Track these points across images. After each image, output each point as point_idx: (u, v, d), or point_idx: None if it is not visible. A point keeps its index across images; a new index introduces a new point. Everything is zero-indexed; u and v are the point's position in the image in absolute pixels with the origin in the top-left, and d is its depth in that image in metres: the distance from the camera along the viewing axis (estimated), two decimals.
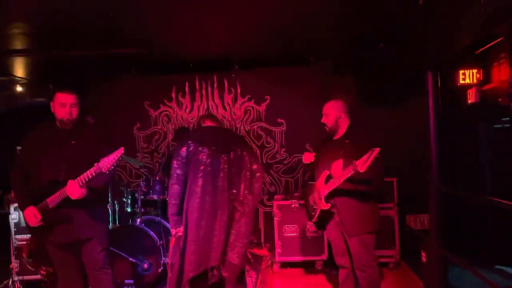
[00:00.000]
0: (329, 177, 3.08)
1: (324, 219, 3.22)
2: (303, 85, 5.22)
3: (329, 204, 3.07)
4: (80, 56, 4.77)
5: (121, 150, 2.64)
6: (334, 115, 3.17)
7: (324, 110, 3.22)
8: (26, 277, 4.25)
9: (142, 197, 4.20)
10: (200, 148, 2.90)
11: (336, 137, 3.22)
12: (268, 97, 5.34)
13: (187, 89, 5.40)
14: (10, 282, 4.27)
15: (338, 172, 2.98)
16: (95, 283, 3.02)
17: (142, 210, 4.23)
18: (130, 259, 3.86)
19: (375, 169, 2.78)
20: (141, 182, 4.26)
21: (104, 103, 5.38)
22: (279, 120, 5.33)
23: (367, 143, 2.87)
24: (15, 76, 5.59)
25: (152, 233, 3.92)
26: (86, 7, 3.31)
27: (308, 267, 4.58)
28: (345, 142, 3.13)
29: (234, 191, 2.91)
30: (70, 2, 3.23)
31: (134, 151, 5.39)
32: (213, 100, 5.38)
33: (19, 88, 5.96)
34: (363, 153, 2.75)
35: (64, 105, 2.89)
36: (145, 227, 3.94)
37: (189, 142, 2.92)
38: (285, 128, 5.33)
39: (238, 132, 5.30)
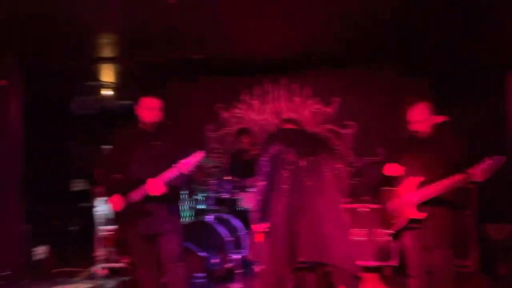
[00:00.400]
0: (422, 184, 2.90)
1: (402, 228, 3.07)
2: (374, 86, 5.15)
3: (425, 214, 2.88)
4: (160, 62, 5.15)
5: (203, 153, 2.83)
6: (427, 119, 2.96)
7: (414, 117, 2.99)
8: (110, 265, 4.66)
9: (213, 195, 4.41)
10: (287, 149, 3.02)
11: (424, 140, 3.01)
12: (337, 99, 5.33)
13: (257, 91, 5.56)
14: (95, 269, 4.71)
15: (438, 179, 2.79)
16: (170, 275, 3.25)
17: (213, 208, 4.44)
18: (201, 253, 4.07)
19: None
20: (213, 181, 4.48)
21: (181, 103, 5.71)
22: (347, 123, 5.30)
23: (459, 146, 2.80)
24: (103, 81, 6.13)
25: (222, 229, 4.11)
26: (168, 18, 3.58)
27: (375, 272, 4.51)
28: (436, 146, 2.95)
29: (320, 191, 2.99)
30: (154, 16, 3.52)
31: (206, 151, 5.66)
32: (282, 102, 5.48)
33: (106, 92, 6.52)
34: (458, 158, 2.67)
35: (150, 109, 3.16)
36: (215, 224, 4.14)
37: (277, 142, 3.05)
38: (354, 130, 5.28)
39: None
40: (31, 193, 5.13)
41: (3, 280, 4.66)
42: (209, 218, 4.27)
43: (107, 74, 5.90)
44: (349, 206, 4.61)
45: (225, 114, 5.69)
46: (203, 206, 4.51)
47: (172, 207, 3.18)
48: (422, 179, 2.91)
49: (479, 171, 2.60)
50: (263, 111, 5.56)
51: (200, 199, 4.54)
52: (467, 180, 2.64)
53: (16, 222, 4.80)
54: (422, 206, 2.89)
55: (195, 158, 2.80)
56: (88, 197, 6.33)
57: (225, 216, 4.44)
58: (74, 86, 6.14)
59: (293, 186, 2.96)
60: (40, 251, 4.99)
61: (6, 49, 4.63)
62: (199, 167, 5.51)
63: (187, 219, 4.58)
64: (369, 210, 4.49)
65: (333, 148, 5.01)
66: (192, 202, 4.57)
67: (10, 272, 4.71)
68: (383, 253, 4.46)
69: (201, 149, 2.90)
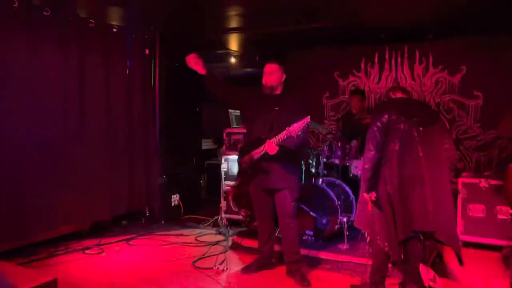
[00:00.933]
0: None
1: None
2: (507, 54, 4.70)
3: None
4: (282, 32, 5.39)
5: (307, 119, 3.06)
6: None
7: None
8: (231, 216, 5.25)
9: (325, 160, 4.62)
10: (400, 118, 3.02)
11: None
12: (464, 67, 5.01)
13: (376, 59, 5.49)
14: (219, 218, 5.34)
15: None
16: (284, 229, 3.61)
17: (325, 172, 4.65)
18: (312, 213, 4.36)
19: None
20: (325, 147, 4.68)
21: (299, 72, 5.94)
22: (474, 93, 4.96)
23: None
24: (230, 50, 6.63)
25: (332, 193, 4.32)
26: None
27: (494, 250, 4.30)
28: None
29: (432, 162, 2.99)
30: None
31: (322, 118, 5.83)
32: (402, 70, 5.35)
33: (232, 60, 7.03)
34: None
35: (269, 74, 3.48)
36: (326, 187, 4.37)
37: (391, 111, 3.07)
38: (481, 101, 4.94)
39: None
40: (170, 151, 5.95)
41: (147, 219, 5.59)
42: (320, 181, 4.51)
43: (234, 43, 6.36)
44: (467, 180, 4.43)
45: (343, 83, 5.75)
46: (315, 170, 4.75)
47: (287, 167, 3.48)
48: None
49: None
50: (382, 79, 5.49)
51: (312, 163, 4.78)
52: None
53: (156, 175, 5.65)
54: None
55: (302, 122, 3.04)
56: (215, 155, 7.07)
57: (336, 181, 4.64)
58: (205, 54, 6.77)
59: (404, 156, 2.98)
60: (175, 199, 5.82)
61: (148, 24, 5.33)
62: (310, 132, 5.73)
63: (302, 181, 4.88)
64: (489, 185, 4.25)
65: (444, 123, 4.79)
66: (306, 166, 4.84)
67: (150, 215, 5.64)
68: (504, 232, 4.22)
69: (313, 114, 3.13)
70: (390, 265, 3.34)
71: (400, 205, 2.95)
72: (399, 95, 3.24)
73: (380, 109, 3.24)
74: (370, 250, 3.28)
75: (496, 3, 3.94)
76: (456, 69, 5.03)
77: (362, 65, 5.57)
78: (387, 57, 5.42)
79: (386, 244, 3.02)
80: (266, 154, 3.33)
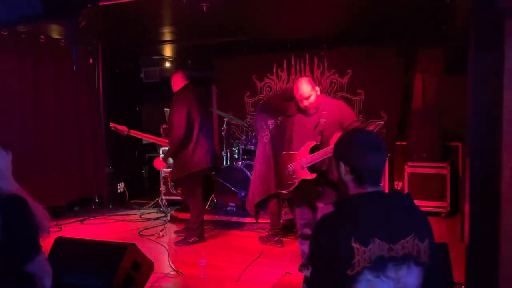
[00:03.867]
0: None
1: None
2: (382, 59, 6.12)
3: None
4: (208, 43, 6.50)
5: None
6: None
7: None
8: (169, 197, 6.30)
9: (243, 147, 5.81)
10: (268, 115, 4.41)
11: None
12: (350, 71, 6.38)
13: (284, 65, 6.74)
14: (160, 200, 6.38)
15: None
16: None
17: (244, 156, 5.84)
18: (233, 189, 5.54)
19: None
20: (243, 136, 5.88)
21: (222, 75, 7.10)
22: (358, 91, 6.37)
23: None
24: (165, 56, 7.65)
25: (248, 172, 5.51)
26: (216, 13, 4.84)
27: None
28: None
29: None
30: (198, 16, 4.79)
31: (244, 113, 7.01)
32: (305, 73, 6.63)
33: (167, 64, 8.05)
34: None
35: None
36: (243, 168, 5.56)
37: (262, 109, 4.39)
38: (363, 97, 6.35)
39: None
40: (114, 145, 6.87)
41: (96, 205, 6.51)
42: (239, 164, 5.69)
43: (168, 51, 7.39)
44: None
45: (259, 84, 6.97)
46: (237, 156, 5.94)
47: None
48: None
49: None
50: (290, 81, 6.75)
51: (235, 150, 5.98)
52: None
53: (104, 166, 6.58)
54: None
55: None
56: (154, 149, 8.04)
57: (252, 163, 5.85)
58: (143, 59, 7.76)
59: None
60: (120, 187, 6.77)
61: (91, 37, 6.23)
62: (234, 125, 6.88)
63: (225, 164, 6.05)
64: None
65: None
66: (230, 152, 6.02)
67: (100, 201, 6.56)
68: None
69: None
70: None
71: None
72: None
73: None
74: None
75: (374, 21, 5.26)
76: (344, 72, 6.39)
77: (274, 69, 6.80)
78: (293, 62, 6.69)
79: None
80: None
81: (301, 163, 3.34)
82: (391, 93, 6.13)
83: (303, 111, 3.47)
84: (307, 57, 6.63)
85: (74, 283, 2.83)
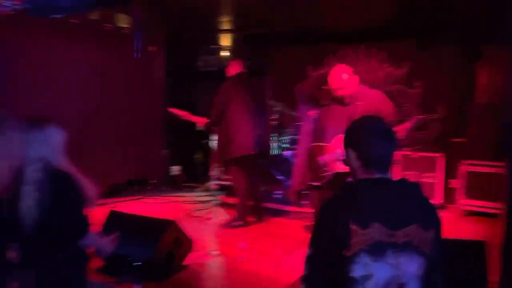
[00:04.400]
0: None
1: None
2: (443, 52, 5.88)
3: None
4: (263, 33, 6.61)
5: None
6: None
7: None
8: (219, 182, 6.52)
9: (292, 136, 5.87)
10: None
11: None
12: (408, 63, 6.20)
13: (340, 55, 6.68)
14: (210, 184, 6.61)
15: None
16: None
17: (292, 146, 5.90)
18: (280, 177, 5.64)
19: None
20: (293, 126, 5.94)
21: (278, 65, 7.18)
22: (415, 84, 6.16)
23: None
24: (222, 45, 7.85)
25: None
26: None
27: None
28: None
29: None
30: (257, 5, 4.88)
31: (296, 104, 7.04)
32: (360, 65, 6.53)
33: (225, 53, 8.25)
34: None
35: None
36: (291, 158, 5.63)
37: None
38: (420, 90, 6.14)
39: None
40: (170, 130, 7.21)
41: (152, 185, 6.89)
42: (288, 153, 5.77)
43: (226, 40, 7.58)
44: (404, 152, 5.70)
45: (313, 74, 6.96)
46: (285, 145, 6.03)
47: None
48: None
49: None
50: None
51: (284, 139, 6.07)
52: None
53: (160, 149, 6.94)
54: None
55: None
56: (207, 135, 8.31)
57: None
58: (202, 48, 8.03)
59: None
60: (175, 170, 7.10)
61: (154, 26, 6.55)
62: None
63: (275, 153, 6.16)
64: (419, 157, 5.54)
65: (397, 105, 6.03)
66: (279, 141, 6.13)
67: (155, 181, 6.93)
68: (427, 192, 5.49)
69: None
70: None
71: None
72: None
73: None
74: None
75: (436, 12, 5.06)
76: (402, 64, 6.22)
77: (328, 60, 6.74)
78: (348, 53, 6.61)
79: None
80: None
81: (337, 155, 3.29)
82: (450, 87, 5.87)
83: (339, 101, 3.39)
84: (363, 48, 6.51)
85: (122, 253, 3.08)
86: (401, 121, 3.85)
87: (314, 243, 1.46)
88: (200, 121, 4.85)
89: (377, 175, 1.48)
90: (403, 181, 1.52)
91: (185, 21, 6.13)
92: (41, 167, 2.00)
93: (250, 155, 4.68)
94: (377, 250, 1.37)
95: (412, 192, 1.49)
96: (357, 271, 1.36)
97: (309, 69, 6.94)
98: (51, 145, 2.09)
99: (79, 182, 2.10)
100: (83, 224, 2.10)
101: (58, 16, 2.72)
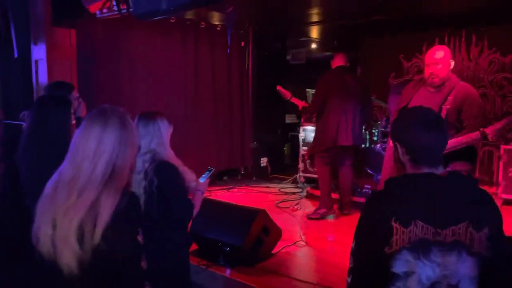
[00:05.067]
0: None
1: None
2: None
3: None
4: (353, 23, 6.45)
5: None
6: None
7: None
8: (306, 175, 6.54)
9: (382, 129, 5.67)
10: None
11: None
12: None
13: (437, 43, 6.25)
14: (298, 176, 6.67)
15: None
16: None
17: (383, 139, 5.71)
18: (369, 171, 5.49)
19: None
20: (383, 119, 5.73)
21: (368, 56, 6.96)
22: None
23: None
24: (311, 38, 7.82)
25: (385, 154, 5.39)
26: None
27: None
28: None
29: None
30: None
31: (388, 95, 6.77)
32: (460, 52, 6.09)
33: (313, 45, 8.21)
34: None
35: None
36: (381, 151, 5.45)
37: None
38: None
39: (480, 81, 5.92)
40: (260, 123, 7.39)
41: (242, 176, 7.13)
42: (378, 146, 5.59)
43: (314, 32, 7.53)
44: (508, 147, 5.21)
45: (407, 64, 6.63)
46: (376, 138, 5.84)
47: None
48: None
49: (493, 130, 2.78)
50: None
51: (374, 132, 5.88)
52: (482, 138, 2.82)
53: (249, 141, 7.14)
54: None
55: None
56: (296, 128, 8.36)
57: None
58: (290, 41, 8.06)
59: None
60: (263, 161, 7.26)
61: (244, 22, 6.73)
62: (377, 107, 6.73)
63: (364, 146, 6.01)
64: None
65: (503, 95, 5.54)
66: (368, 134, 5.95)
67: (245, 172, 7.16)
68: None
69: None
70: None
71: None
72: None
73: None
74: None
75: None
76: (507, 51, 5.67)
77: (424, 48, 6.37)
78: (446, 40, 6.17)
79: None
80: None
81: None
82: None
83: (428, 83, 3.15)
84: (463, 34, 6.06)
85: (213, 238, 3.26)
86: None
87: (358, 237, 1.44)
88: (301, 104, 4.91)
89: (426, 170, 1.40)
90: (455, 176, 1.41)
91: (274, 14, 6.20)
92: (149, 158, 2.18)
93: (344, 146, 4.70)
94: (420, 248, 1.32)
95: (464, 188, 1.39)
96: (398, 267, 1.33)
97: (400, 58, 6.64)
98: (160, 137, 2.25)
99: (183, 173, 2.24)
100: (188, 209, 2.24)
101: (159, 18, 2.94)
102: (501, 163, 5.25)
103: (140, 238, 1.37)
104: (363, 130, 6.11)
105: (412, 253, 1.33)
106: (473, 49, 6.00)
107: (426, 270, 1.33)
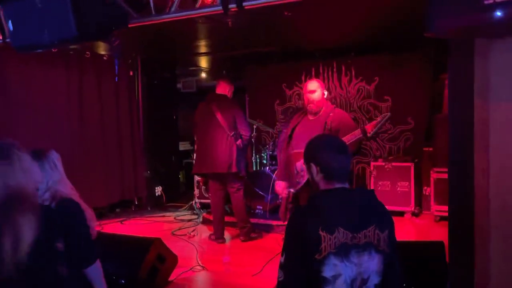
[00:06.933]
0: None
1: None
2: (408, 67, 6.22)
3: None
4: (240, 54, 6.85)
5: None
6: None
7: None
8: (202, 200, 6.65)
9: (270, 153, 6.07)
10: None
11: None
12: (377, 78, 6.50)
13: (313, 73, 6.95)
14: (193, 203, 6.74)
15: None
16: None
17: (271, 162, 6.10)
18: (261, 193, 5.81)
19: None
20: (270, 143, 6.14)
21: (254, 84, 7.43)
22: (385, 97, 6.47)
23: None
24: (201, 67, 8.08)
25: (275, 176, 5.76)
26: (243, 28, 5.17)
27: (396, 215, 5.79)
28: None
29: None
30: (228, 30, 5.13)
31: (274, 121, 7.27)
32: (333, 81, 6.82)
33: (203, 74, 8.49)
34: None
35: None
36: (270, 173, 5.81)
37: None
38: (390, 103, 6.45)
39: (351, 107, 6.68)
40: (153, 151, 7.34)
41: (136, 207, 6.98)
42: (267, 169, 5.95)
43: (203, 62, 7.81)
44: (377, 163, 5.95)
45: (289, 92, 7.21)
46: (265, 161, 6.22)
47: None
48: None
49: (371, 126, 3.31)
50: None
51: (264, 156, 6.26)
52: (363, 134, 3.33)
53: (143, 170, 7.05)
54: None
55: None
56: (190, 155, 8.46)
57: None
58: (180, 70, 8.23)
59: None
60: (158, 190, 7.21)
61: (131, 52, 6.74)
62: (265, 132, 7.18)
63: (254, 169, 6.34)
64: (392, 167, 5.80)
65: (370, 119, 6.32)
66: (257, 157, 6.31)
67: (139, 203, 7.03)
68: (403, 201, 5.75)
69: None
70: None
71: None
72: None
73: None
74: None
75: (401, 29, 5.38)
76: (371, 79, 6.52)
77: (303, 78, 7.02)
78: (321, 70, 6.88)
79: None
80: None
81: None
82: (418, 100, 6.21)
83: (308, 111, 3.64)
84: (334, 65, 6.82)
85: (107, 270, 3.19)
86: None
87: (287, 249, 1.64)
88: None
89: (338, 185, 1.68)
90: (360, 190, 1.75)
91: (162, 46, 6.33)
92: (49, 197, 2.07)
93: (219, 173, 4.85)
94: (342, 252, 1.57)
95: (368, 199, 1.70)
96: (327, 272, 1.55)
97: (283, 87, 7.21)
98: (58, 173, 2.16)
99: (84, 209, 2.15)
100: (92, 250, 2.14)
101: (41, 50, 2.87)
102: (371, 178, 5.97)
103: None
104: (254, 155, 6.49)
105: (337, 257, 1.55)
106: (344, 78, 6.78)
107: (348, 271, 1.57)
